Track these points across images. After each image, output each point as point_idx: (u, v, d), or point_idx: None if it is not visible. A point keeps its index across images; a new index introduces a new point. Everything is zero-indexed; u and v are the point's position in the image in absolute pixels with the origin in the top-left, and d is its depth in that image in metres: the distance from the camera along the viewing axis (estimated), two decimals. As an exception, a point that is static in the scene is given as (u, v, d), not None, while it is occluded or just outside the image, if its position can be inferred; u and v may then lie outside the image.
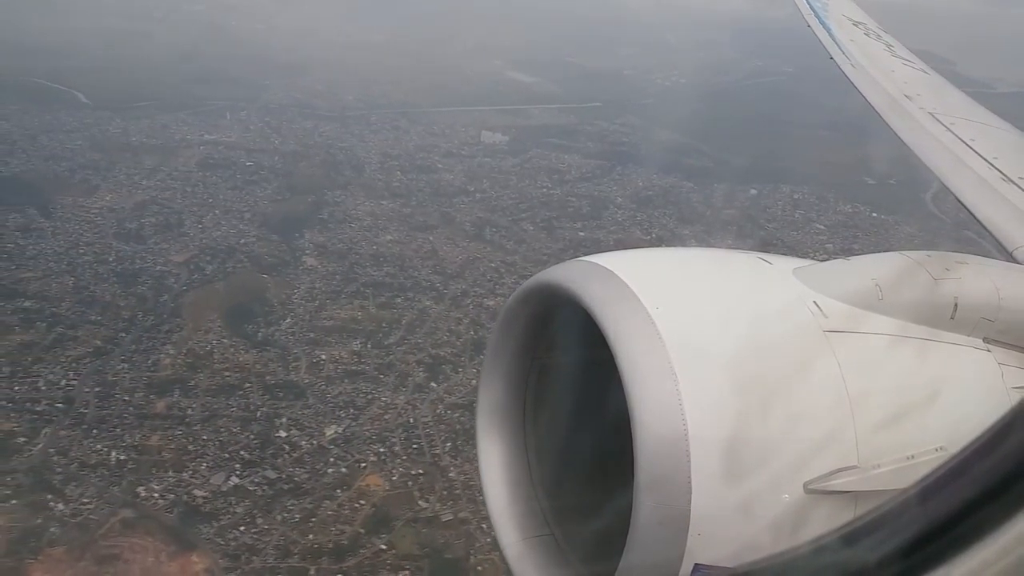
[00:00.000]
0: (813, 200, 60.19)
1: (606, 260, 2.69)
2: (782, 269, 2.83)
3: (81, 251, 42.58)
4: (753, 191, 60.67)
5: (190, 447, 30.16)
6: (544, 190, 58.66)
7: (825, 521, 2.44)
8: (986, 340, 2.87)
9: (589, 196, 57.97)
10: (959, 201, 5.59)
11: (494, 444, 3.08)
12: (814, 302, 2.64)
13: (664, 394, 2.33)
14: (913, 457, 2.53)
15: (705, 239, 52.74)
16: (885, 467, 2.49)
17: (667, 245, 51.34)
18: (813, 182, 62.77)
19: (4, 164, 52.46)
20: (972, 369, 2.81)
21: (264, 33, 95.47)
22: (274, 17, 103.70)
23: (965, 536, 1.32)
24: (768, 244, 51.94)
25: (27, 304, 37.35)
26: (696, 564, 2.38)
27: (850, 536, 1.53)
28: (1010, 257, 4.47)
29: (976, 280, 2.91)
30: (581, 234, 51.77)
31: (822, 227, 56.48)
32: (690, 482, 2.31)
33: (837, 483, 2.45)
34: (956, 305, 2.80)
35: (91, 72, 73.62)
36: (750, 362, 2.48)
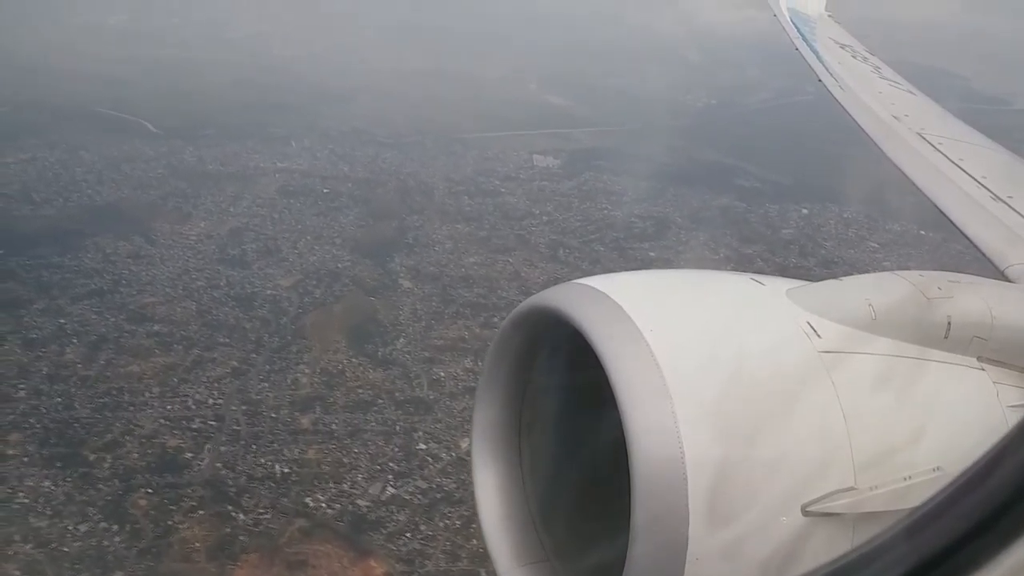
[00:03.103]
0: (862, 219, 62.63)
1: (599, 282, 2.69)
2: (775, 290, 2.83)
3: (193, 276, 44.79)
4: (804, 210, 63.29)
5: (344, 460, 32.28)
6: (605, 212, 61.06)
7: (823, 543, 2.46)
8: (980, 359, 2.87)
9: (650, 217, 60.37)
10: (949, 220, 5.57)
11: (489, 468, 3.05)
12: (808, 323, 2.65)
13: (660, 416, 2.32)
14: (910, 478, 2.54)
15: (770, 258, 55.26)
16: (883, 488, 2.50)
17: (736, 265, 53.99)
18: (858, 200, 65.04)
19: (97, 193, 54.74)
20: (967, 388, 2.81)
21: (306, 60, 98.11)
22: (311, 45, 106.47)
23: (976, 557, 1.31)
24: (830, 263, 54.51)
25: (157, 328, 39.50)
26: None
27: (853, 564, 1.55)
28: (1002, 276, 4.47)
29: (969, 299, 2.92)
30: (651, 254, 54.11)
31: (876, 245, 58.96)
32: (687, 505, 2.30)
33: (835, 505, 2.45)
34: (949, 324, 2.81)
35: (152, 101, 76.09)
36: (745, 383, 2.48)
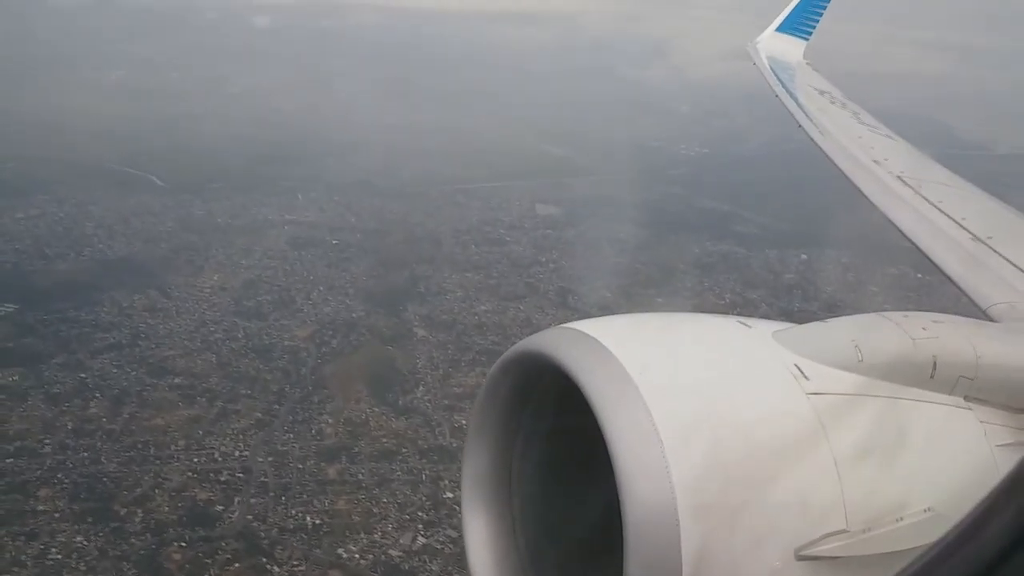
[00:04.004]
0: (859, 263, 63.70)
1: (587, 327, 2.69)
2: (762, 332, 2.84)
3: (211, 329, 45.15)
4: (804, 256, 64.59)
5: (374, 510, 32.43)
6: (610, 259, 61.83)
7: None
8: (967, 398, 2.88)
9: (654, 264, 61.46)
10: (931, 262, 5.60)
11: (480, 518, 3.00)
12: (795, 365, 2.66)
13: (651, 461, 2.31)
14: (902, 519, 2.54)
15: (774, 303, 56.26)
16: (875, 531, 2.50)
17: (742, 310, 54.84)
18: (854, 245, 66.10)
19: (109, 247, 55.25)
20: (955, 428, 2.83)
21: (307, 114, 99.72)
22: (311, 99, 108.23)
23: None
24: (833, 307, 55.48)
25: (179, 381, 39.74)
26: None
27: None
28: (985, 315, 4.50)
29: (953, 338, 2.93)
30: (659, 300, 54.86)
31: (876, 289, 59.89)
32: (680, 550, 2.28)
33: (828, 548, 2.45)
34: (935, 364, 2.82)
35: (157, 155, 77.21)
36: (735, 427, 2.47)
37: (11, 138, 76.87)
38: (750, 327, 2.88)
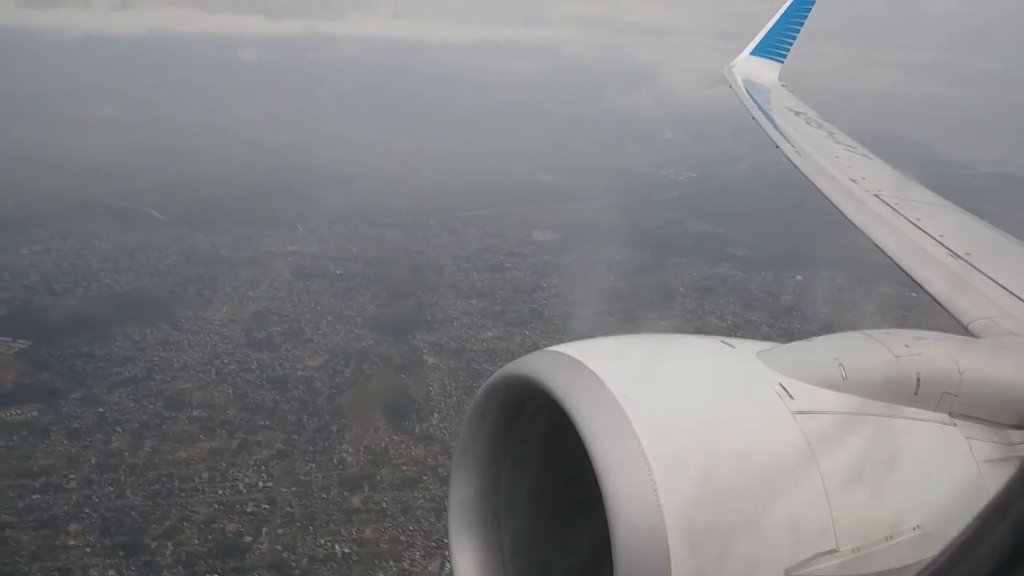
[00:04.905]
0: (853, 283, 64.96)
1: (572, 349, 2.66)
2: (746, 352, 2.84)
3: (224, 360, 45.55)
4: (799, 277, 65.95)
5: (401, 537, 32.88)
6: (610, 283, 62.97)
7: None
8: (952, 415, 2.90)
9: (654, 287, 62.57)
10: (911, 279, 5.54)
11: (466, 545, 2.96)
12: (780, 384, 2.67)
13: (639, 484, 2.29)
14: (891, 538, 2.56)
15: (775, 324, 57.36)
16: (864, 550, 2.52)
17: (744, 332, 55.89)
18: (847, 266, 67.51)
19: (116, 282, 55.57)
20: (941, 444, 2.84)
21: (298, 145, 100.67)
22: (301, 130, 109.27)
23: None
24: (832, 327, 55.94)
25: (197, 413, 40.08)
26: None
27: None
28: (966, 331, 4.47)
29: (936, 355, 2.94)
30: (662, 323, 56.02)
31: (872, 308, 61.04)
32: (670, 574, 2.27)
33: (819, 569, 2.47)
34: (918, 380, 2.83)
35: (155, 189, 77.93)
36: (722, 447, 2.46)
37: (8, 175, 77.14)
38: (734, 347, 2.87)
